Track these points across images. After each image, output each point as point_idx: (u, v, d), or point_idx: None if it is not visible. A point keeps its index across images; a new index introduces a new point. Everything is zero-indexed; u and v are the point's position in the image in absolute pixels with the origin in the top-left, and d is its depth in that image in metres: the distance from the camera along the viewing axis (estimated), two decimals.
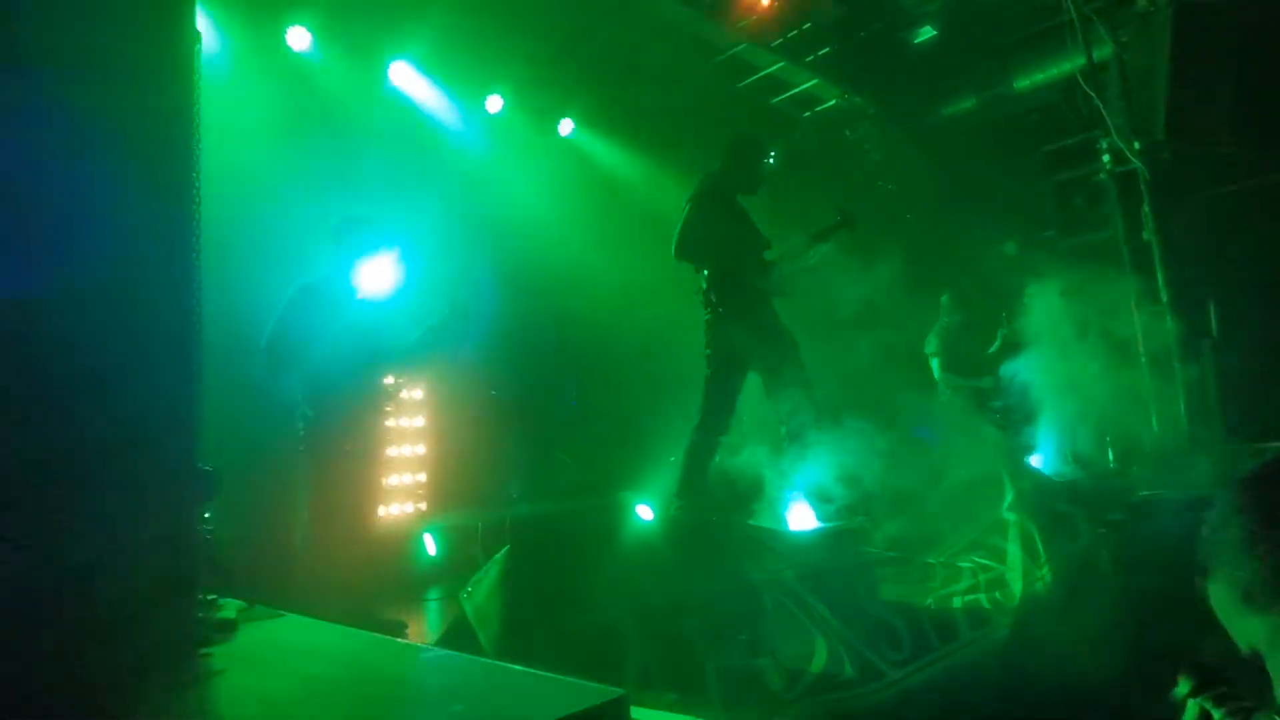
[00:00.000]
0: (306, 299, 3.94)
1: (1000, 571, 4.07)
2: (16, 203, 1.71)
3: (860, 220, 4.69)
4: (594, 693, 1.19)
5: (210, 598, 1.89)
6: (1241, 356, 4.86)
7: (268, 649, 1.77)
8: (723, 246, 4.48)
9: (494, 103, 6.95)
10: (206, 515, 1.91)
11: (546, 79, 6.90)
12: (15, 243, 1.73)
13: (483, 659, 1.51)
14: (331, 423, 3.81)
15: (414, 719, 1.26)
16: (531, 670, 1.36)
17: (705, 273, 4.56)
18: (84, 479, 1.68)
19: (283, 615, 2.02)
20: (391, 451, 6.03)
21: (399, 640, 2.44)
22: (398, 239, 4.13)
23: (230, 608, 1.96)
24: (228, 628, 1.84)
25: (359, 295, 4.04)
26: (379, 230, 4.13)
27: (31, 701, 1.38)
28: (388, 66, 6.40)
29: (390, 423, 5.96)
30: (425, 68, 6.57)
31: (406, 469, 6.38)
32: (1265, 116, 5.22)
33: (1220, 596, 1.10)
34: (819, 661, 3.13)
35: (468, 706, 1.24)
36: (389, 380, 4.80)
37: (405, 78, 6.53)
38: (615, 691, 1.19)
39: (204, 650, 1.69)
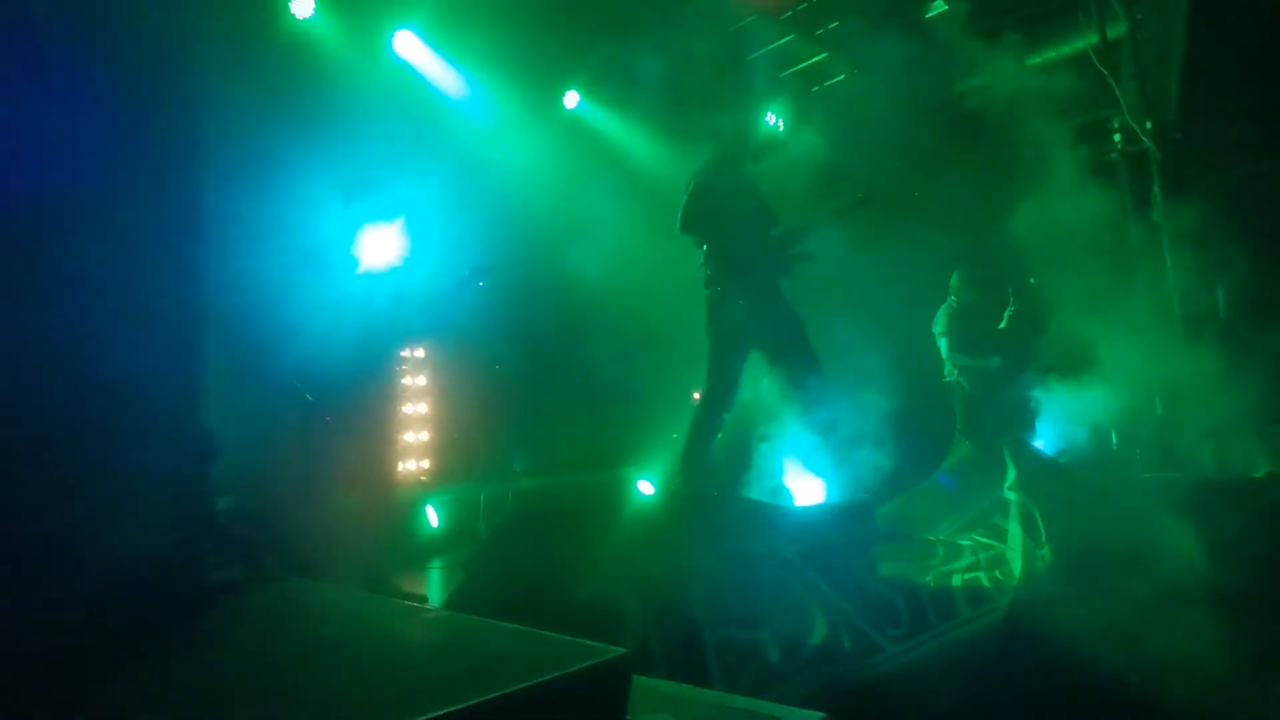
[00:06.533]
0: (308, 269, 3.89)
1: (1001, 550, 4.09)
2: (23, 170, 1.71)
3: (879, 197, 4.61)
4: (597, 651, 1.20)
5: (215, 560, 1.90)
6: (1249, 340, 4.84)
7: (271, 610, 1.79)
8: (725, 223, 4.45)
9: (499, 73, 6.89)
10: (212, 480, 1.91)
11: (551, 50, 6.83)
12: (21, 208, 1.72)
13: (487, 619, 1.52)
14: (328, 398, 3.78)
15: (416, 675, 1.27)
16: (535, 630, 1.37)
17: (705, 249, 4.54)
18: (89, 441, 1.68)
19: (286, 578, 2.04)
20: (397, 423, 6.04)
21: (402, 601, 2.46)
22: (407, 205, 4.07)
23: (235, 570, 1.98)
24: (232, 588, 1.86)
25: (364, 264, 3.98)
26: (390, 194, 4.06)
27: (40, 657, 1.39)
28: (391, 35, 6.34)
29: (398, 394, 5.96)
30: (428, 37, 6.51)
31: (410, 442, 6.40)
32: (1279, 96, 5.16)
33: None
34: (818, 636, 3.15)
35: (471, 663, 1.25)
36: (402, 351, 4.78)
37: (409, 47, 6.48)
38: (617, 650, 1.20)
39: (209, 610, 1.70)
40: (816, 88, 7.84)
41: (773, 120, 6.87)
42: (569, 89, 7.40)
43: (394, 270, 4.12)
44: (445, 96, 6.79)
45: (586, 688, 1.17)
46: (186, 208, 2.01)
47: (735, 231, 4.44)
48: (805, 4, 6.87)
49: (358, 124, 5.65)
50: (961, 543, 4.17)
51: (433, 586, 4.46)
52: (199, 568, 1.78)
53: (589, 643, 1.26)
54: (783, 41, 7.29)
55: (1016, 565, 3.89)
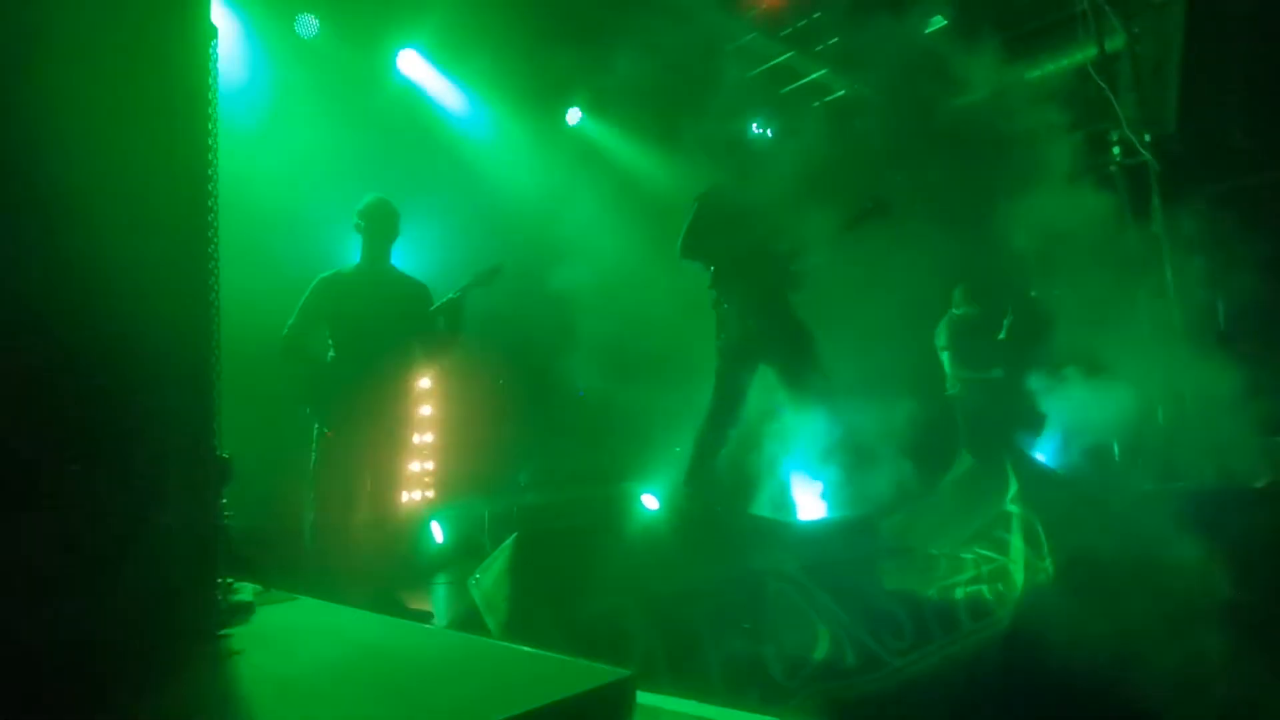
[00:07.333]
0: (325, 292, 3.92)
1: (1003, 563, 4.09)
2: (32, 192, 1.74)
3: (882, 210, 4.61)
4: (602, 673, 1.23)
5: (228, 581, 1.93)
6: (1249, 351, 4.86)
7: (284, 631, 1.81)
8: (731, 242, 4.48)
9: (502, 90, 6.97)
10: (224, 501, 1.94)
11: (553, 67, 6.90)
12: (32, 231, 1.76)
13: (494, 640, 1.55)
14: (334, 416, 3.80)
15: (424, 698, 1.30)
16: (542, 651, 1.40)
17: (711, 270, 4.57)
18: (106, 463, 1.72)
19: (298, 599, 2.07)
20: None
21: (412, 622, 2.49)
22: (420, 225, 4.11)
23: (246, 591, 2.01)
24: (245, 610, 1.89)
25: (378, 284, 3.99)
26: (399, 216, 4.09)
27: (56, 675, 1.42)
28: (396, 54, 6.44)
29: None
30: (432, 56, 6.60)
31: (415, 457, 6.43)
32: (1277, 109, 5.20)
33: None
34: (821, 650, 3.16)
35: (479, 685, 1.28)
36: (418, 369, 4.81)
37: (412, 65, 6.57)
38: (622, 672, 1.23)
39: (223, 632, 1.73)
40: (817, 103, 7.90)
41: (760, 130, 6.93)
42: (572, 105, 7.48)
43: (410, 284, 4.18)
44: (447, 112, 6.87)
45: (591, 709, 1.20)
46: (198, 226, 2.04)
47: (742, 248, 4.47)
48: (805, 21, 6.94)
49: (366, 141, 5.73)
50: (964, 556, 4.17)
51: (438, 602, 4.48)
52: (211, 589, 1.81)
53: (594, 664, 1.29)
54: (783, 58, 7.37)
55: (1019, 578, 3.90)
